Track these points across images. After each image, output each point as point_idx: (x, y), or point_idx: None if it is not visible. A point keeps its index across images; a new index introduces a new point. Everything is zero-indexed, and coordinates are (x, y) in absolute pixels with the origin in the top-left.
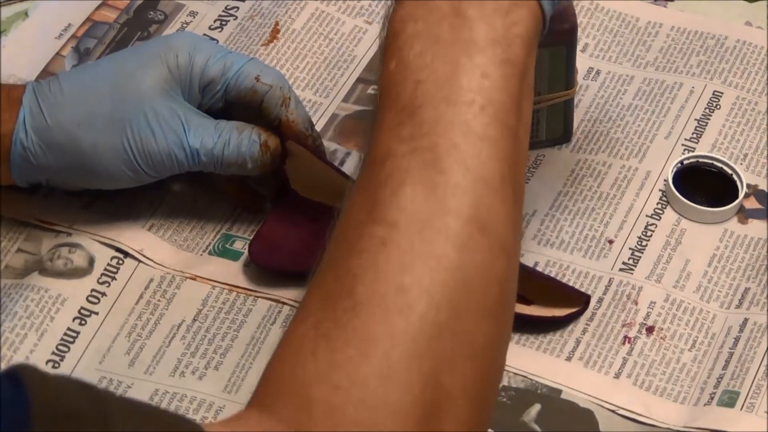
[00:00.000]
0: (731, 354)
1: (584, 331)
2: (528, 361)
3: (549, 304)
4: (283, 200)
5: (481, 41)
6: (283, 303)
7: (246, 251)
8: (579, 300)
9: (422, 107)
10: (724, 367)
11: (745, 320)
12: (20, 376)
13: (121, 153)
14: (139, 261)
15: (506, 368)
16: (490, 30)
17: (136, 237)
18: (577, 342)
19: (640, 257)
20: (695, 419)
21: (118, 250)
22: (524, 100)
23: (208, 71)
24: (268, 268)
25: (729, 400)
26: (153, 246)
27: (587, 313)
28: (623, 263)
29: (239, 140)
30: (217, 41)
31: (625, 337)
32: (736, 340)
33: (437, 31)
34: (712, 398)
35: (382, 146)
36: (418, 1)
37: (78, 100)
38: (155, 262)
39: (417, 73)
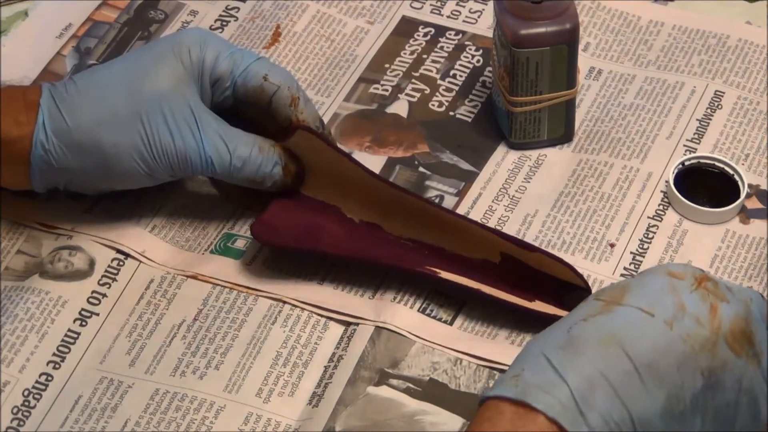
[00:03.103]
0: None
1: None
2: None
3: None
4: (284, 194)
5: None
6: (284, 302)
7: (245, 249)
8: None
9: None
10: None
11: None
12: None
13: (141, 152)
14: (141, 262)
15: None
16: None
17: (138, 239)
18: None
19: (641, 261)
20: None
21: (119, 251)
22: None
23: (218, 67)
24: (270, 245)
25: None
26: (155, 247)
27: None
28: (624, 268)
29: (259, 160)
30: None
31: None
32: None
33: None
34: None
35: None
36: None
37: (96, 100)
38: (157, 263)
39: None
